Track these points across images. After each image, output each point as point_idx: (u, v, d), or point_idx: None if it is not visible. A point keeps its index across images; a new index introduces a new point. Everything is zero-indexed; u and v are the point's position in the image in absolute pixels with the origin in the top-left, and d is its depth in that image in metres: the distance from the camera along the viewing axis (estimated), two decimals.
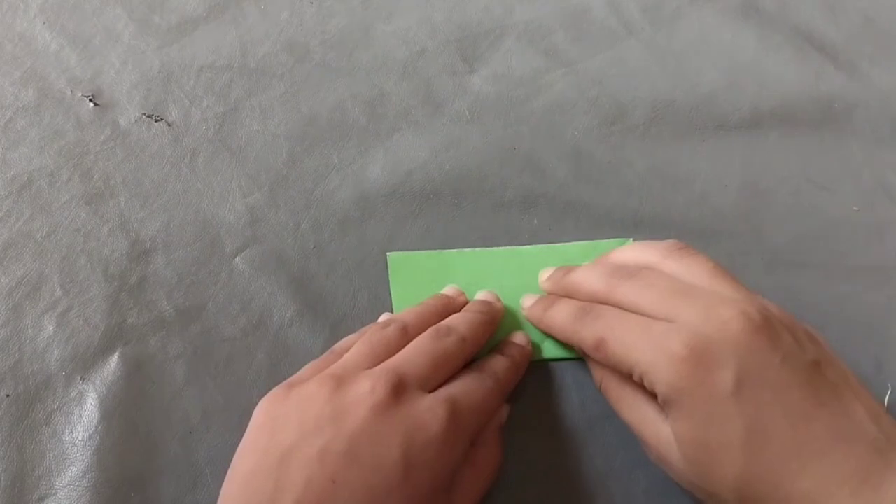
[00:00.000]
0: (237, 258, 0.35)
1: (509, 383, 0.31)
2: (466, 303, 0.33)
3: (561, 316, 0.31)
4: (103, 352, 0.33)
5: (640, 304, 0.28)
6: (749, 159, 0.39)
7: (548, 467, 0.31)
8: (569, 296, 0.32)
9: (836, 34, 0.43)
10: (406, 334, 0.30)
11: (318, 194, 0.37)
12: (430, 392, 0.27)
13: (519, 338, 0.33)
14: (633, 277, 0.29)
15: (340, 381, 0.26)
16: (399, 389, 0.26)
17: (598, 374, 0.31)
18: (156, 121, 0.39)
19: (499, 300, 0.34)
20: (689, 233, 0.36)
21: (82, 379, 0.32)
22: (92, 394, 0.32)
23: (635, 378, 0.27)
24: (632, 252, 0.31)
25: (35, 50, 0.41)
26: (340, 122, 0.39)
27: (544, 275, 0.34)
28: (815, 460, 0.24)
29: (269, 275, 0.35)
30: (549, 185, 0.37)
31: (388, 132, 0.39)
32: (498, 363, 0.31)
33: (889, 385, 0.32)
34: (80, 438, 0.31)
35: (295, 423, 0.25)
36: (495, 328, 0.32)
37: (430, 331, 0.30)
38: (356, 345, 0.29)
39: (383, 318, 0.33)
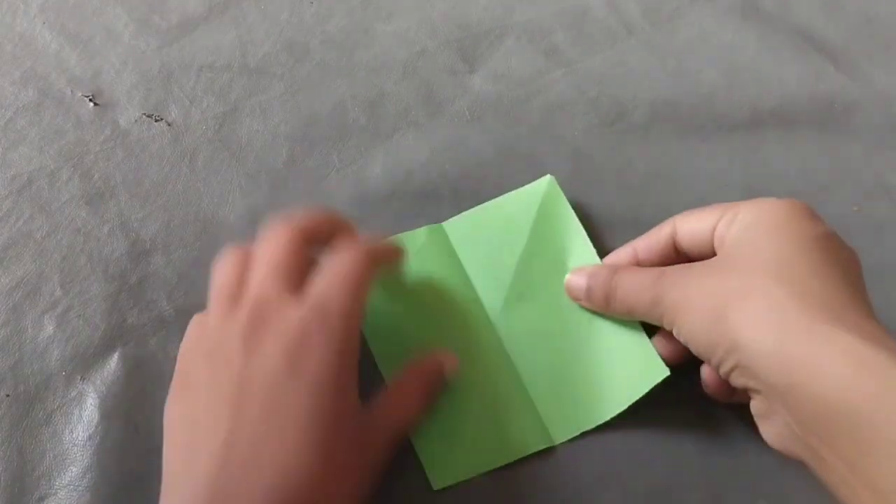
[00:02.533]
0: None
1: (368, 251, 0.30)
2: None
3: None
4: (103, 352, 0.33)
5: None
6: (749, 159, 0.39)
7: (548, 467, 0.31)
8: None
9: (836, 34, 0.43)
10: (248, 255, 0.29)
11: (318, 194, 0.37)
12: (296, 291, 0.28)
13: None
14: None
15: (212, 344, 0.28)
16: (263, 314, 0.27)
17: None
18: (156, 121, 0.39)
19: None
20: None
21: (82, 379, 0.32)
22: (92, 394, 0.32)
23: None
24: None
25: (35, 50, 0.41)
26: (340, 122, 0.39)
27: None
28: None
29: None
30: None
31: (388, 132, 0.39)
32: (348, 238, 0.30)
33: None
34: (80, 438, 0.31)
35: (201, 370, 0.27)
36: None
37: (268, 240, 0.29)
38: (212, 290, 0.29)
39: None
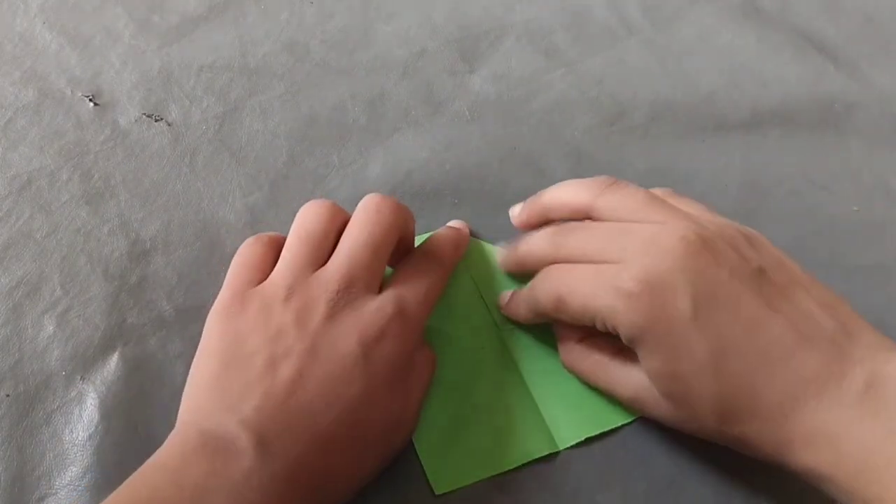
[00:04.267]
0: None
1: (451, 267, 0.32)
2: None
3: (520, 295, 0.32)
4: (103, 351, 0.33)
5: (588, 254, 0.28)
6: (749, 159, 0.39)
7: (548, 467, 0.31)
8: (523, 268, 0.32)
9: (836, 34, 0.43)
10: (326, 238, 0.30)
11: (318, 194, 0.37)
12: (379, 292, 0.29)
13: (456, 223, 0.35)
14: (574, 231, 0.30)
15: (292, 290, 0.28)
16: (349, 291, 0.28)
17: (565, 355, 0.31)
18: (156, 121, 0.39)
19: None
20: None
21: (82, 379, 0.32)
22: (92, 394, 0.32)
23: (598, 326, 0.27)
24: (565, 192, 0.31)
25: (35, 50, 0.41)
26: (340, 122, 0.39)
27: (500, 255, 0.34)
28: (779, 366, 0.25)
29: None
30: (549, 185, 0.37)
31: (388, 132, 0.39)
32: (440, 248, 0.32)
33: None
34: (80, 438, 0.31)
35: (258, 329, 0.27)
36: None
37: (355, 232, 0.30)
38: (287, 254, 0.30)
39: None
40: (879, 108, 0.40)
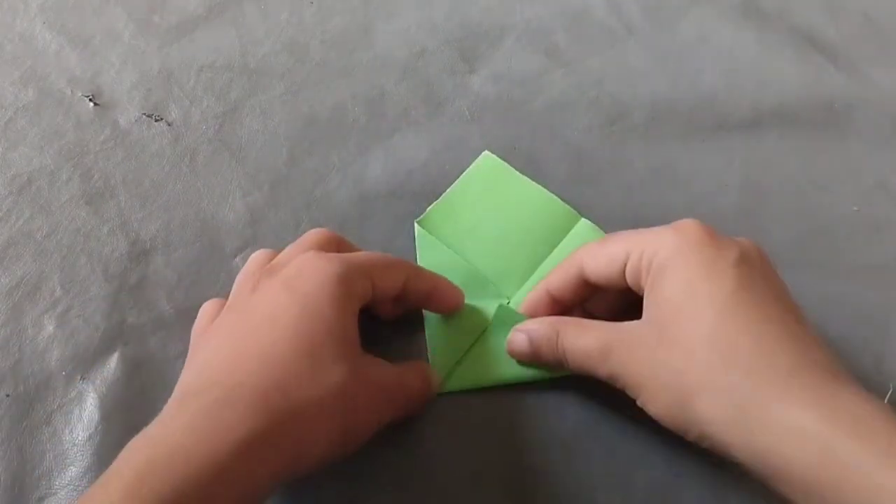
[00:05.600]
0: (237, 258, 0.35)
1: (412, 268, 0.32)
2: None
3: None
4: (103, 352, 0.33)
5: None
6: (749, 159, 0.39)
7: (548, 467, 0.31)
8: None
9: (836, 34, 0.43)
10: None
11: (318, 194, 0.37)
12: None
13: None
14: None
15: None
16: (276, 267, 0.30)
17: (559, 349, 0.31)
18: (156, 121, 0.39)
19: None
20: None
21: (82, 379, 0.32)
22: (92, 394, 0.32)
23: (635, 261, 0.29)
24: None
25: (35, 50, 0.41)
26: (340, 122, 0.39)
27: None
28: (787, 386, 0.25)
29: None
30: (549, 185, 0.37)
31: (388, 132, 0.39)
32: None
33: (890, 385, 0.32)
34: (80, 438, 0.31)
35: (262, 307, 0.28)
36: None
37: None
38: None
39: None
40: (879, 108, 0.40)
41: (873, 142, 0.39)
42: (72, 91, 0.39)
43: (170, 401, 0.27)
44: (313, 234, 0.32)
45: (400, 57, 0.41)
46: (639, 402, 0.28)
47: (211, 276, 0.35)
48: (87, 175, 0.37)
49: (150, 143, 0.38)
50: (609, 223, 0.36)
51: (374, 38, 0.42)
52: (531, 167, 0.38)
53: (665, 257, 0.28)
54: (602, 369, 0.29)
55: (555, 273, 0.32)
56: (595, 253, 0.30)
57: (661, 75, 0.41)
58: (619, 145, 0.39)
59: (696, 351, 0.26)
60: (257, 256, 0.32)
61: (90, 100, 0.39)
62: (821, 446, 0.23)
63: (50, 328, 0.33)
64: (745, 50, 0.42)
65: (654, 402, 0.27)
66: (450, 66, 0.41)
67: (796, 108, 0.40)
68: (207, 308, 0.31)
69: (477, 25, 0.43)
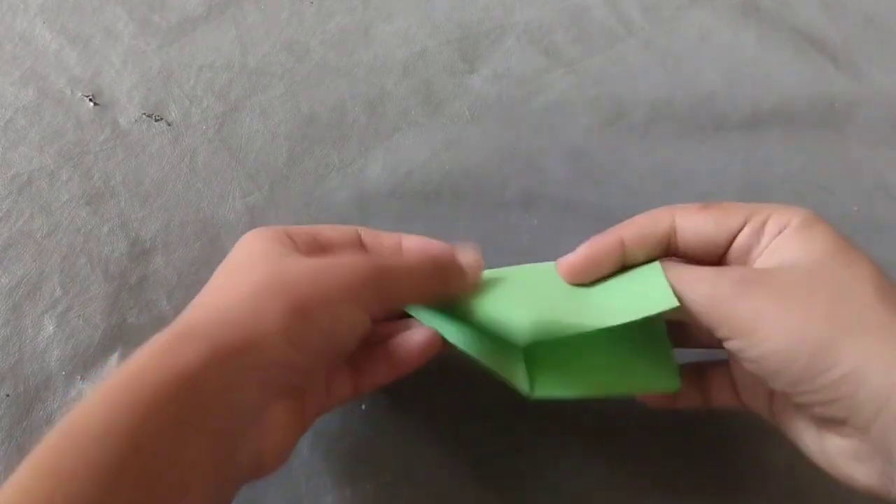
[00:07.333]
0: None
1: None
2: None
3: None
4: (103, 352, 0.33)
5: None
6: (749, 159, 0.39)
7: (549, 467, 0.31)
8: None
9: (836, 34, 0.43)
10: None
11: (318, 194, 0.37)
12: None
13: (470, 252, 0.30)
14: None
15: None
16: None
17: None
18: (156, 120, 0.39)
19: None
20: None
21: (82, 379, 0.32)
22: None
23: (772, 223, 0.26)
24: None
25: (35, 50, 0.41)
26: (340, 122, 0.39)
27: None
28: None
29: None
30: (549, 185, 0.37)
31: (388, 132, 0.39)
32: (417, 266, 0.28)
33: None
34: None
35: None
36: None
37: None
38: None
39: None
40: (879, 108, 0.40)
41: (873, 142, 0.39)
42: (72, 91, 0.39)
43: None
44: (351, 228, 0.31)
45: (400, 57, 0.41)
46: (743, 342, 0.24)
47: (211, 276, 0.35)
48: (87, 175, 0.37)
49: (150, 143, 0.38)
50: (609, 223, 0.36)
51: (374, 38, 0.42)
52: (531, 167, 0.38)
53: (807, 219, 0.26)
54: (724, 292, 0.25)
55: (633, 224, 0.28)
56: (692, 213, 0.27)
57: (660, 75, 0.41)
58: (619, 145, 0.39)
59: (857, 290, 0.24)
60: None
61: (90, 100, 0.39)
62: None
63: (50, 328, 0.33)
64: (745, 50, 0.42)
65: (780, 339, 0.24)
66: (450, 65, 0.41)
67: (796, 107, 0.40)
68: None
69: (477, 25, 0.43)
